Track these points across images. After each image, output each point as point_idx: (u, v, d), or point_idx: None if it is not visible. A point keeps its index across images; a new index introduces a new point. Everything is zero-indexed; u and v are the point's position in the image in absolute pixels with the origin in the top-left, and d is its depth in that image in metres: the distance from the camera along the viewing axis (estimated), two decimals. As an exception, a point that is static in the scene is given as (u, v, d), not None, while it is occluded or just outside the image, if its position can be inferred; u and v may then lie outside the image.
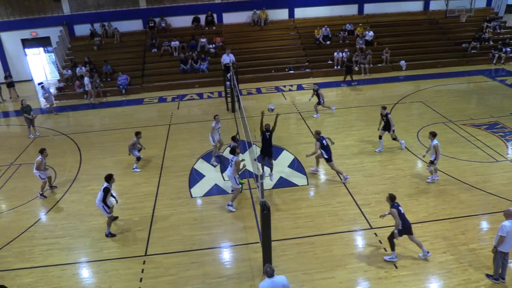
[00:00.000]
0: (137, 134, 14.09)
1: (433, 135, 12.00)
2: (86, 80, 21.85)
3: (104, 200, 10.57)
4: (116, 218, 11.43)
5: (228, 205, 11.54)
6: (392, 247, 9.24)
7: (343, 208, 11.38)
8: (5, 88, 23.82)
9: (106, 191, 10.58)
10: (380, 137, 14.42)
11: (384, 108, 14.22)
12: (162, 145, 16.05)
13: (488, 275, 8.73)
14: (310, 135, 15.91)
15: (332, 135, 15.89)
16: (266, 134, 12.51)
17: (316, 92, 17.83)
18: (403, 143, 14.58)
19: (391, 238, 9.17)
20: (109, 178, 10.75)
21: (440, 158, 12.18)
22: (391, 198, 9.13)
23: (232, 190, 12.01)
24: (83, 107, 21.72)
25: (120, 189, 13.18)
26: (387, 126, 14.21)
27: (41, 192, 12.90)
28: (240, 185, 11.74)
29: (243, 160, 11.68)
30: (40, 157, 12.66)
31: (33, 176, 14.15)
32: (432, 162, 12.04)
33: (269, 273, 7.17)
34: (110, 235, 10.79)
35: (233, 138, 12.97)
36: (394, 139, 14.39)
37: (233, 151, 11.44)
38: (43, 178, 12.84)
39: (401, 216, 9.01)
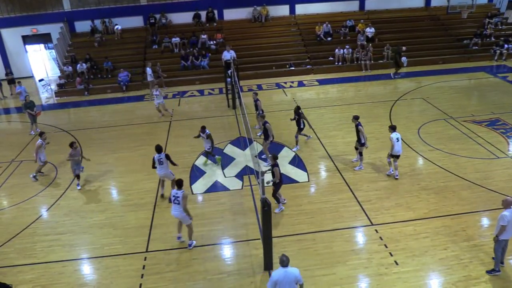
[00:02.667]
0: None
1: (392, 128, 12.33)
2: (149, 70, 21.79)
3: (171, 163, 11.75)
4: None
5: (189, 245, 10.07)
6: None
7: (343, 205, 11.39)
8: (5, 84, 23.80)
9: (168, 157, 11.64)
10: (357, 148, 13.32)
11: (356, 118, 12.88)
12: (163, 141, 16.05)
13: (488, 272, 8.76)
14: (311, 132, 15.90)
15: (333, 132, 15.99)
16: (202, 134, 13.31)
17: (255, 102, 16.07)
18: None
19: None
20: (160, 149, 11.64)
21: (395, 151, 12.18)
22: None
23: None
24: (83, 104, 21.73)
25: (121, 185, 13.21)
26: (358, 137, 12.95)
27: (34, 174, 13.67)
28: (191, 219, 9.99)
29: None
30: (40, 140, 13.58)
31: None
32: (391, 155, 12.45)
33: (285, 263, 7.08)
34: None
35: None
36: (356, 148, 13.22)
37: (179, 185, 9.73)
38: (42, 161, 13.69)
39: None
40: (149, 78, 21.74)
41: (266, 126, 13.39)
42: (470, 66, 23.89)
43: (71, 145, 12.78)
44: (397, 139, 12.13)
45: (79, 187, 13.04)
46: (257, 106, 16.02)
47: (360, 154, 13.09)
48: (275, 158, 10.71)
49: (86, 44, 25.91)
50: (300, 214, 11.09)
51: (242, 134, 16.06)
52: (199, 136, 13.90)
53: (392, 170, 12.62)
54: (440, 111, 17.41)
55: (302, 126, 14.64)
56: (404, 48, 22.90)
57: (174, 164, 11.92)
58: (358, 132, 12.76)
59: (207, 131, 13.71)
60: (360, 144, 12.89)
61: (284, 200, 11.52)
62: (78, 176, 13.08)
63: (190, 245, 10.00)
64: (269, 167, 11.11)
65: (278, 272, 7.09)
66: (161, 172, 11.83)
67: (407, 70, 23.71)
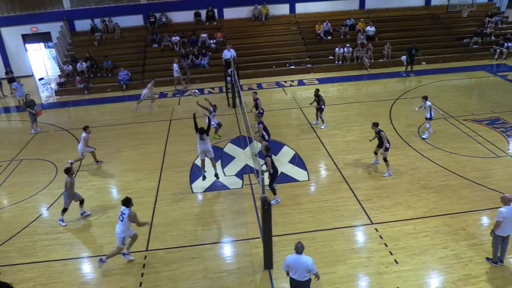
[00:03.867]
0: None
1: (425, 98, 14.41)
2: (175, 66, 21.96)
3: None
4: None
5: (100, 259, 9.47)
6: None
7: (343, 204, 11.40)
8: (5, 83, 23.79)
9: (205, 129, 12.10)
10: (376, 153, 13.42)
11: (375, 125, 12.81)
12: (163, 140, 16.06)
13: (488, 258, 9.00)
14: (311, 131, 15.92)
15: (334, 131, 15.99)
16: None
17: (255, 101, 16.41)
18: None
19: None
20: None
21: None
22: None
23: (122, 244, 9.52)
24: (83, 103, 21.73)
25: (121, 184, 13.22)
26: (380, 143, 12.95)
27: (72, 161, 14.11)
28: (124, 246, 9.51)
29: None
30: (85, 133, 13.93)
31: (34, 171, 14.29)
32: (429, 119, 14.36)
33: (299, 250, 7.41)
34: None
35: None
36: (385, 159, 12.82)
37: (127, 203, 9.25)
38: (83, 156, 14.17)
39: None
40: (175, 74, 22.21)
41: (258, 126, 13.66)
42: (470, 65, 23.88)
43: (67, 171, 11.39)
44: None
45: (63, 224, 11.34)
46: (257, 106, 16.07)
47: (385, 160, 12.67)
48: (267, 149, 11.06)
49: (86, 43, 25.89)
50: (300, 213, 11.10)
51: (242, 133, 16.07)
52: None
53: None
54: (440, 109, 17.39)
55: (323, 107, 16.14)
56: (413, 51, 22.40)
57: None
58: (380, 138, 12.60)
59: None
60: (384, 149, 12.52)
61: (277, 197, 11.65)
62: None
63: (101, 260, 9.37)
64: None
65: (291, 256, 7.51)
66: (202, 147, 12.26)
67: (404, 70, 23.66)
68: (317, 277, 7.71)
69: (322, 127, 16.25)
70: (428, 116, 14.81)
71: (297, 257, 7.40)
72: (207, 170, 12.77)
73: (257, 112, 15.85)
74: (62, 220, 11.24)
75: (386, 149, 12.56)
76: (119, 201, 12.20)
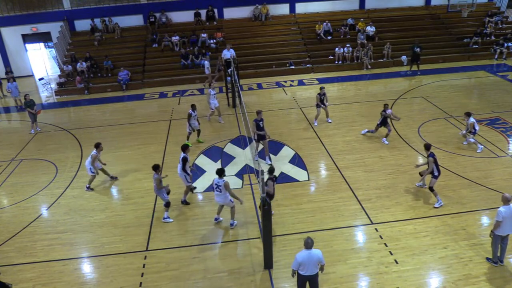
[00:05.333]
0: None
1: (467, 114, 13.70)
2: (207, 63, 21.95)
3: (184, 169, 11.34)
4: (194, 188, 12.34)
5: (231, 224, 10.71)
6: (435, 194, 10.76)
7: (344, 204, 11.39)
8: (5, 83, 23.76)
9: (185, 161, 11.36)
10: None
11: (427, 147, 11.27)
12: (163, 140, 16.06)
13: (488, 258, 9.01)
14: (311, 130, 15.91)
15: (333, 131, 15.99)
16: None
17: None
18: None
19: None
20: (185, 148, 11.48)
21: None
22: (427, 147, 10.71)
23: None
24: (83, 103, 21.74)
25: (121, 184, 13.21)
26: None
27: (88, 186, 12.84)
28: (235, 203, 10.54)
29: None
30: (95, 151, 12.59)
31: (34, 171, 14.27)
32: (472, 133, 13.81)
33: (309, 245, 7.46)
34: (185, 202, 11.74)
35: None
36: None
37: (220, 173, 10.15)
38: (93, 172, 12.66)
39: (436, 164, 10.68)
40: (207, 72, 22.18)
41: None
42: (470, 65, 23.88)
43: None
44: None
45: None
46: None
47: (431, 189, 11.01)
48: (271, 171, 10.46)
49: (86, 43, 25.89)
50: (300, 212, 11.10)
51: (242, 133, 16.06)
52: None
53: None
54: (440, 109, 17.41)
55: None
56: (418, 49, 22.40)
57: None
58: (430, 163, 10.86)
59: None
60: (433, 176, 10.99)
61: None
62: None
63: (232, 224, 10.66)
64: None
65: (302, 254, 7.49)
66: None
67: (407, 69, 23.69)
68: (322, 270, 7.82)
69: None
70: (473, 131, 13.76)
71: (309, 253, 7.46)
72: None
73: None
74: (168, 217, 11.09)
75: (435, 177, 10.96)
76: (119, 201, 12.27)
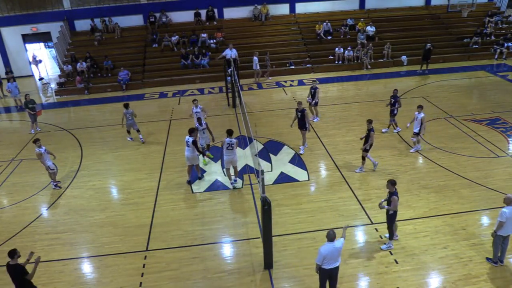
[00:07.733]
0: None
1: (420, 107, 13.58)
2: (256, 59, 22.24)
3: (198, 151, 12.27)
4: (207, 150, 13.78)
5: (234, 180, 12.46)
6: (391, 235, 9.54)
7: (344, 204, 11.40)
8: (6, 83, 23.76)
9: (195, 143, 12.02)
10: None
11: (369, 122, 12.46)
12: (163, 140, 16.06)
13: (488, 259, 9.02)
14: (311, 130, 15.87)
15: (333, 131, 16.00)
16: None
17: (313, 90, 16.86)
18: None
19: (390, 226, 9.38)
20: (192, 131, 12.10)
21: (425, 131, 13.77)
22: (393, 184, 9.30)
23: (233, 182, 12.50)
24: (83, 103, 21.73)
25: (121, 184, 13.22)
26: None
27: (53, 183, 13.12)
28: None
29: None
30: (37, 148, 12.62)
31: (34, 172, 14.26)
32: (416, 134, 13.61)
33: (331, 237, 7.53)
34: (202, 176, 13.03)
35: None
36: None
37: (230, 134, 11.92)
38: (51, 168, 12.96)
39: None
40: (255, 67, 22.44)
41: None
42: (470, 65, 23.87)
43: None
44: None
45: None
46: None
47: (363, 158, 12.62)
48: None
49: (86, 42, 25.87)
50: (300, 212, 11.10)
51: (242, 133, 16.06)
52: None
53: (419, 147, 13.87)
54: (440, 109, 17.41)
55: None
56: (429, 45, 22.35)
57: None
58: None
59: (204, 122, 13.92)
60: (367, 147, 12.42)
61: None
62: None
63: (235, 181, 12.30)
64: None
65: (326, 247, 7.56)
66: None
67: (407, 69, 23.71)
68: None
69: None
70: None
71: (332, 245, 7.54)
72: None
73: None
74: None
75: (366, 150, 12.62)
76: (119, 201, 12.29)
